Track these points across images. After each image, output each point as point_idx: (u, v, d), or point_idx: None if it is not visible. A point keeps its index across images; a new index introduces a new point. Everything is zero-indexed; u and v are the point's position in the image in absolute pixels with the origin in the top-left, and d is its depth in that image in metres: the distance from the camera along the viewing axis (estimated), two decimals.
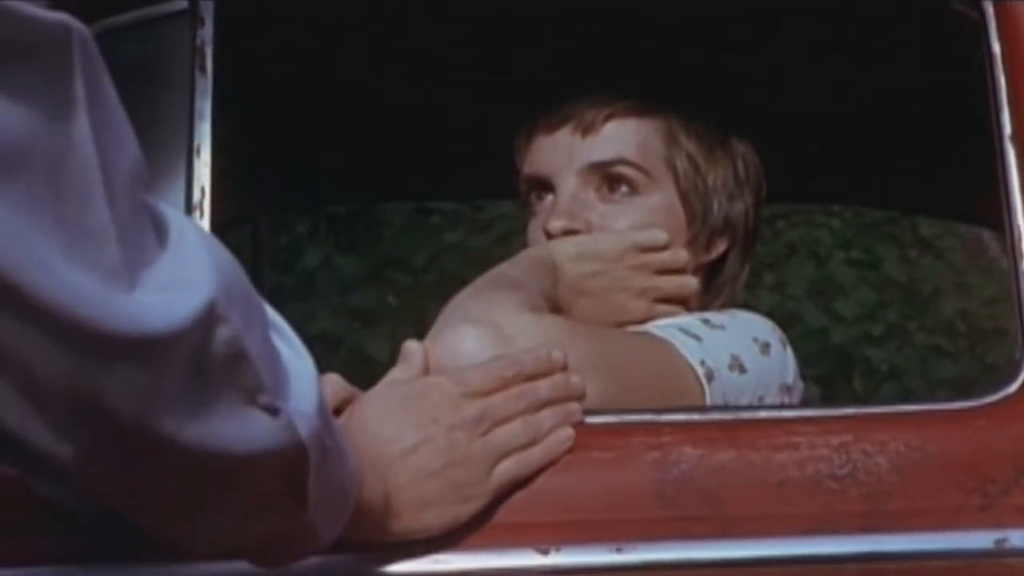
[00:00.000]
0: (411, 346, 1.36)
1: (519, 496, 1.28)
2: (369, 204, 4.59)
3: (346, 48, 1.74)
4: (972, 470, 1.30)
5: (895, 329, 5.65)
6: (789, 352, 1.60)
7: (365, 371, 1.43)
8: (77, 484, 1.04)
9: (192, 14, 1.41)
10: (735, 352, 1.52)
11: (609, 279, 1.62)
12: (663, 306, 1.64)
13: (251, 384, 1.00)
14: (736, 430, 1.33)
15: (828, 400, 4.99)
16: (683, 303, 1.66)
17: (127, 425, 0.95)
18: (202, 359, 0.97)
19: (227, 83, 1.40)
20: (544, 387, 1.30)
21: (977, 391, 1.36)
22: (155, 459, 0.99)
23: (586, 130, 1.65)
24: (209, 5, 1.41)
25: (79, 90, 0.91)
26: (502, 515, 1.27)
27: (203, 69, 1.40)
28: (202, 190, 1.37)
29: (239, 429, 1.01)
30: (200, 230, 1.02)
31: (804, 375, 1.63)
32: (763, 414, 1.41)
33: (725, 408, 1.45)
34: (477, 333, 1.36)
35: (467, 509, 1.24)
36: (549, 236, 1.63)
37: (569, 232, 1.62)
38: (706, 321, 1.56)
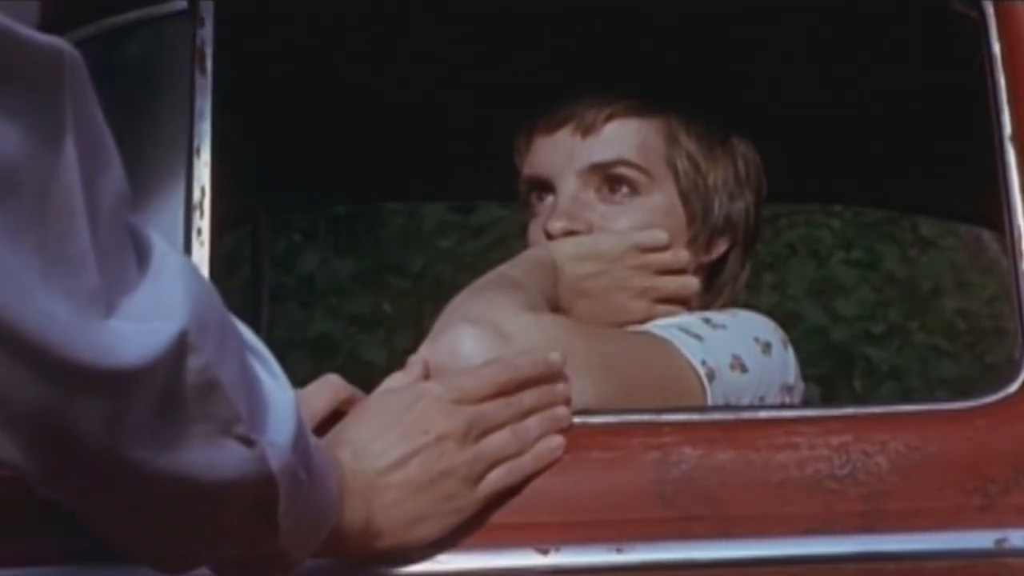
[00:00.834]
0: (414, 358, 1.36)
1: (519, 496, 1.28)
2: (369, 204, 4.59)
3: (346, 48, 1.74)
4: (972, 470, 1.30)
5: (895, 329, 5.65)
6: (790, 352, 1.60)
7: (362, 376, 1.42)
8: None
9: (192, 14, 1.41)
10: (736, 352, 1.52)
11: (609, 279, 1.62)
12: (664, 306, 1.64)
13: (224, 414, 1.00)
14: (736, 430, 1.33)
15: (828, 400, 4.99)
16: (684, 303, 1.65)
17: (94, 451, 0.95)
18: (173, 389, 0.96)
19: (227, 83, 1.40)
20: (529, 395, 1.29)
21: (977, 391, 1.36)
22: (123, 484, 0.98)
23: (586, 131, 1.65)
24: (209, 5, 1.41)
25: (68, 115, 0.91)
26: (502, 515, 1.27)
27: (203, 69, 1.40)
28: (202, 190, 1.37)
29: (210, 459, 1.00)
30: (180, 256, 1.02)
31: (804, 375, 1.63)
32: (763, 414, 1.41)
33: (725, 408, 1.45)
34: (477, 333, 1.36)
35: (458, 520, 1.24)
36: (549, 237, 1.63)
37: (569, 233, 1.62)
38: (707, 321, 1.56)
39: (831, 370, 5.45)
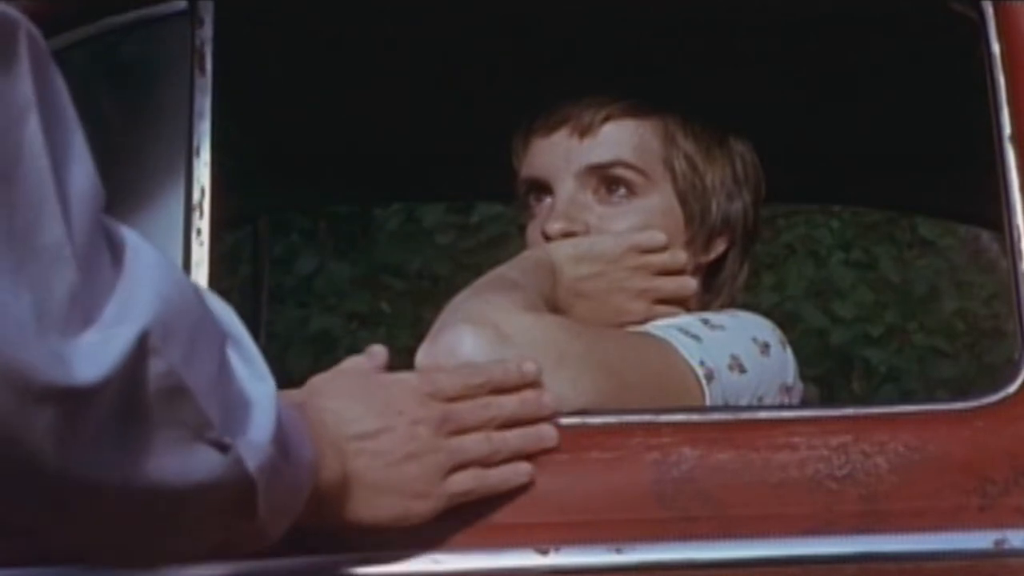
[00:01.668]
0: (376, 347, 1.35)
1: (519, 496, 1.28)
2: (368, 204, 4.59)
3: (346, 48, 1.74)
4: (971, 471, 1.30)
5: (894, 329, 5.64)
6: (789, 352, 1.60)
7: None
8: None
9: (192, 14, 1.41)
10: (735, 352, 1.52)
11: (608, 281, 1.62)
12: (662, 307, 1.64)
13: (194, 419, 0.96)
14: (735, 430, 1.33)
15: (827, 401, 4.99)
16: (682, 304, 1.65)
17: (51, 463, 0.89)
18: (134, 395, 0.92)
19: (227, 83, 1.40)
20: (511, 402, 1.29)
21: (976, 391, 1.37)
22: (85, 493, 0.94)
23: (584, 132, 1.65)
24: (209, 5, 1.41)
25: (27, 90, 0.85)
26: (502, 515, 1.27)
27: (203, 69, 1.40)
28: (202, 190, 1.37)
29: (182, 465, 0.96)
30: (153, 253, 0.95)
31: (802, 376, 1.63)
32: (762, 414, 1.41)
33: (725, 408, 1.45)
34: (475, 333, 1.36)
35: (419, 506, 1.23)
36: (547, 238, 1.63)
37: (567, 234, 1.62)
38: (706, 321, 1.56)
39: (830, 371, 5.44)
